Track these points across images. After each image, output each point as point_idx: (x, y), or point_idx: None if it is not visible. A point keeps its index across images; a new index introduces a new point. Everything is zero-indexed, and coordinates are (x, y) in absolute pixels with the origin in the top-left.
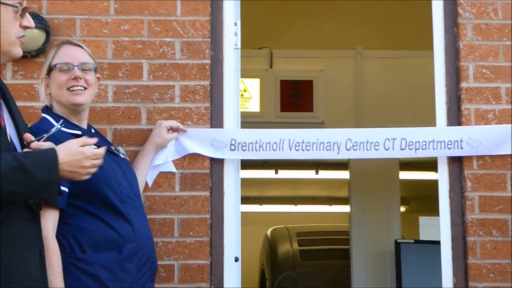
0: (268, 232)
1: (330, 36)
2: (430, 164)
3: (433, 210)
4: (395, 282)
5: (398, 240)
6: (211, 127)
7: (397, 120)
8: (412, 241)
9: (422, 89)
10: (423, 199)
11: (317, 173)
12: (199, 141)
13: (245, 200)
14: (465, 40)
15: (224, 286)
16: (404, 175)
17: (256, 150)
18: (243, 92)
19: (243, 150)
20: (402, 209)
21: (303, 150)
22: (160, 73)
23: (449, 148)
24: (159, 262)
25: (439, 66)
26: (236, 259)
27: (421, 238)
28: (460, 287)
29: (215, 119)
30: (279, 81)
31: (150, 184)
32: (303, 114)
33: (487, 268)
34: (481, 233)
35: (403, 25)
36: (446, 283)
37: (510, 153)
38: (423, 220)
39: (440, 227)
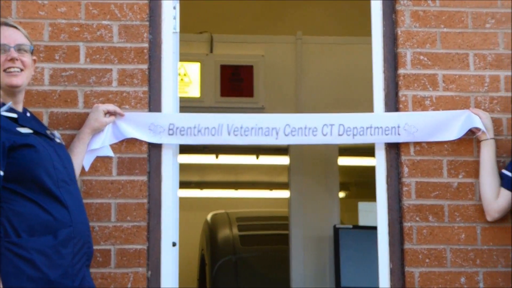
0: (208, 217)
1: (271, 21)
2: (369, 150)
3: (373, 195)
4: (334, 267)
5: (336, 226)
6: (149, 111)
7: (337, 106)
8: (351, 226)
9: (361, 75)
10: (362, 184)
11: (257, 158)
12: (136, 125)
13: (185, 185)
14: (403, 27)
15: (161, 271)
16: (344, 160)
17: (195, 135)
18: (183, 77)
19: (181, 135)
20: (342, 194)
21: (241, 135)
22: (98, 56)
23: (386, 134)
24: (95, 247)
25: (377, 52)
26: (174, 244)
27: (360, 224)
28: (397, 272)
29: (153, 103)
30: (219, 66)
31: (86, 169)
32: (243, 99)
33: (423, 253)
34: (417, 218)
35: (343, 11)
36: (383, 268)
37: (446, 139)
38: (362, 206)
39: (377, 213)
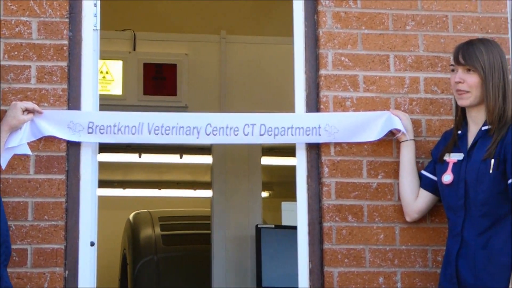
0: (131, 217)
1: (195, 20)
2: (293, 150)
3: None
4: (255, 266)
5: (258, 225)
6: (68, 109)
7: (261, 106)
8: (273, 226)
9: (284, 75)
10: (286, 184)
11: (181, 157)
12: (55, 123)
13: (108, 184)
14: (324, 28)
15: (79, 271)
16: (268, 160)
17: (115, 133)
18: (105, 75)
19: (101, 133)
20: (266, 194)
21: (162, 134)
22: (16, 52)
23: (307, 135)
24: (12, 246)
25: (299, 53)
26: (92, 244)
27: (283, 223)
28: (316, 272)
29: (73, 101)
30: (142, 64)
31: (3, 167)
32: (167, 98)
33: (342, 253)
34: (337, 218)
35: (267, 11)
36: (302, 267)
37: (366, 140)
38: (285, 205)
39: (297, 213)
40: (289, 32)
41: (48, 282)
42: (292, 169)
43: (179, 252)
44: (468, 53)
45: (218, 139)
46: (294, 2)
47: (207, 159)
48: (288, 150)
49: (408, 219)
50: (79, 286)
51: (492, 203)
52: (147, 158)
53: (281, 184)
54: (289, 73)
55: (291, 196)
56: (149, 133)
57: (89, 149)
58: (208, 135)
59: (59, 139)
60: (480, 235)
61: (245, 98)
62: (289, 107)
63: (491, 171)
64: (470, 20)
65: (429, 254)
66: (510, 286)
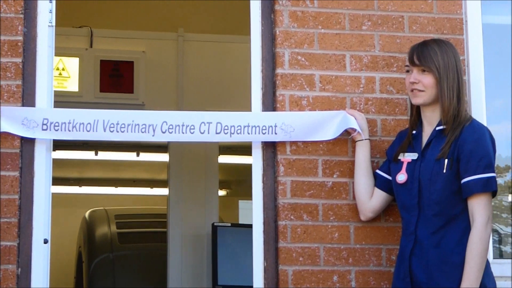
0: (86, 214)
1: (152, 18)
2: (250, 148)
3: None
4: (211, 265)
5: (215, 224)
6: (23, 105)
7: (218, 104)
8: (229, 224)
9: (241, 73)
10: (243, 183)
11: (138, 155)
12: (9, 119)
13: (64, 181)
14: (281, 27)
15: (32, 269)
16: (225, 159)
17: (69, 130)
18: (61, 71)
19: (56, 130)
20: (223, 192)
21: (117, 131)
22: None
23: (263, 133)
24: None
25: (256, 51)
26: (45, 241)
27: (241, 222)
28: (270, 270)
29: (27, 98)
30: (99, 61)
31: None
32: (123, 95)
33: (297, 252)
34: (292, 217)
35: (225, 9)
36: (257, 266)
37: (322, 139)
38: (242, 204)
39: (253, 211)
40: (246, 31)
41: (1, 280)
42: (249, 168)
43: (135, 250)
44: (423, 54)
45: (174, 137)
46: (251, 1)
47: (164, 157)
48: (246, 149)
49: (362, 218)
50: (32, 284)
51: (445, 202)
52: (104, 155)
53: (239, 182)
54: (246, 72)
55: (249, 194)
56: (104, 131)
57: (43, 146)
58: (163, 133)
59: (13, 136)
60: (433, 234)
61: (202, 96)
62: (246, 106)
63: (444, 170)
64: (426, 21)
65: (383, 253)
66: (461, 285)
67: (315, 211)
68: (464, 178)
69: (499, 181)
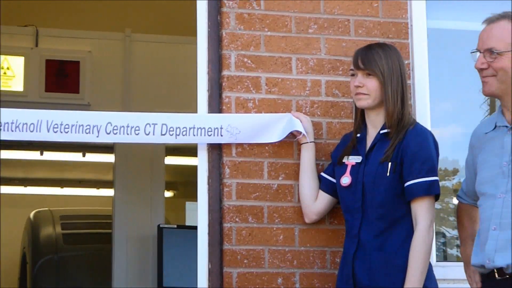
0: (31, 215)
1: (99, 17)
2: (197, 150)
3: None
4: (157, 266)
5: (160, 225)
6: None
7: (164, 105)
8: (175, 226)
9: (188, 75)
10: (190, 184)
11: (84, 155)
12: None
13: (8, 181)
14: (228, 29)
15: None
16: (172, 160)
17: (12, 131)
18: (6, 70)
19: None
20: (170, 194)
21: (61, 132)
22: None
23: (209, 135)
24: None
25: (202, 53)
26: None
27: (187, 223)
28: (215, 272)
29: None
30: (44, 61)
31: None
32: (69, 96)
33: (242, 254)
34: (237, 219)
35: (172, 10)
36: (201, 268)
37: (268, 141)
38: (189, 205)
39: (198, 213)
40: (193, 32)
41: None
42: (196, 169)
43: (80, 251)
44: (367, 58)
45: (118, 138)
46: (198, 2)
47: (110, 158)
48: (193, 150)
49: (307, 220)
50: None
51: (388, 205)
52: (49, 156)
53: (186, 184)
54: (193, 73)
55: (196, 196)
56: (48, 131)
57: None
58: (108, 134)
59: None
60: (377, 237)
61: (149, 97)
62: (193, 107)
63: (388, 174)
64: (372, 25)
65: (328, 255)
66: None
67: (260, 213)
68: (407, 181)
69: (447, 184)
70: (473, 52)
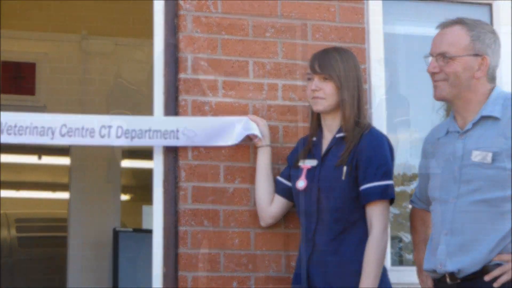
0: None
1: (55, 19)
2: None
3: None
4: (112, 270)
5: (116, 229)
6: None
7: (121, 108)
8: (131, 229)
9: (144, 77)
10: (147, 188)
11: (40, 158)
12: None
13: None
14: (185, 32)
15: None
16: (129, 163)
17: None
18: None
19: None
20: (127, 197)
21: (15, 134)
22: None
23: (165, 138)
24: None
25: (159, 56)
26: None
27: (144, 227)
28: (170, 276)
29: None
30: (0, 62)
31: None
32: (24, 97)
33: (197, 258)
34: (192, 223)
35: (128, 13)
36: (156, 272)
37: (224, 144)
38: (146, 209)
39: (153, 216)
40: (150, 35)
41: None
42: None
43: (35, 255)
44: (324, 62)
45: (73, 141)
46: (155, 4)
47: (65, 161)
48: (150, 153)
49: (262, 224)
50: None
51: (343, 209)
52: (4, 158)
53: (143, 187)
54: (149, 76)
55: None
56: (2, 133)
57: None
58: (63, 136)
59: None
60: (332, 241)
61: (105, 99)
62: (149, 110)
63: (343, 177)
64: (329, 29)
65: (283, 259)
66: None
67: (216, 217)
68: (362, 185)
69: (405, 189)
70: (426, 56)
